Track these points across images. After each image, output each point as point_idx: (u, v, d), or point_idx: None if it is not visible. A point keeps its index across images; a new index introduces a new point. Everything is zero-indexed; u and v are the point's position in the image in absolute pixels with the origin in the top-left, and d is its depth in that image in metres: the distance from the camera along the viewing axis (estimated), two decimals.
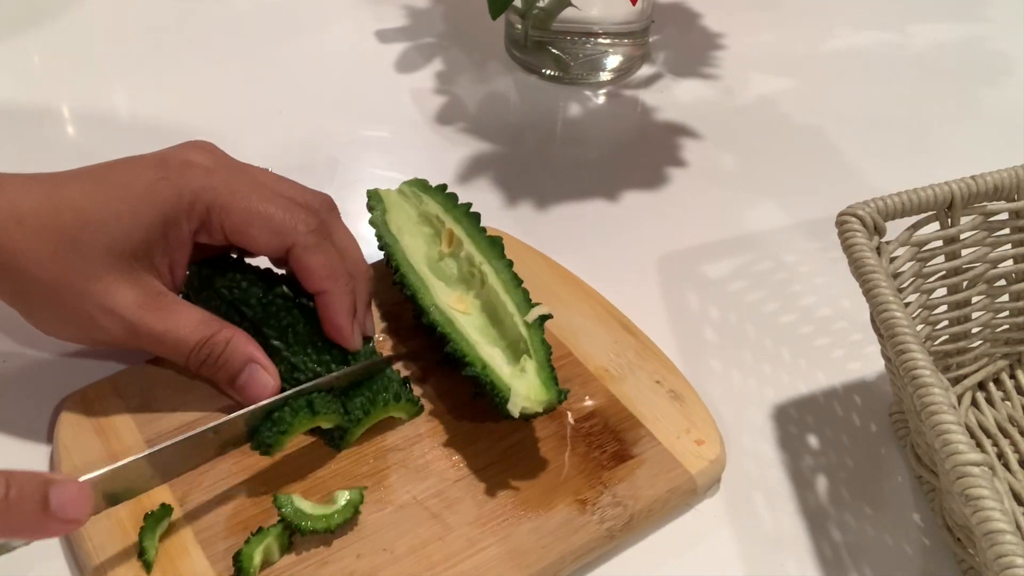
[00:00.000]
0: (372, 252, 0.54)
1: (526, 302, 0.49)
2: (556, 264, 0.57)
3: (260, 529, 0.43)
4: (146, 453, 0.42)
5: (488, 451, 0.48)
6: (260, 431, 0.45)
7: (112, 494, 0.42)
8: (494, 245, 0.52)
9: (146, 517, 0.43)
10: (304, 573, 0.43)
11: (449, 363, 0.49)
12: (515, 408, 0.45)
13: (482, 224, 0.54)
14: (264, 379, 0.47)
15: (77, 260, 0.45)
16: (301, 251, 0.48)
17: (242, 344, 0.48)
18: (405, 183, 0.58)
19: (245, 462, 0.47)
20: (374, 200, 0.57)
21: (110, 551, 0.43)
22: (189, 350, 0.47)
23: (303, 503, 0.44)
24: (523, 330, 0.48)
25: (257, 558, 0.42)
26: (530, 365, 0.47)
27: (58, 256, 0.45)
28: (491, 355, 0.48)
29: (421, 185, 0.57)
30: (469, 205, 0.55)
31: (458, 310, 0.51)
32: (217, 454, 0.45)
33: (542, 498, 0.46)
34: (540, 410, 0.45)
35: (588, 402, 0.50)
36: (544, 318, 0.48)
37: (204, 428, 0.44)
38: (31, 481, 0.38)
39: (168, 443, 0.43)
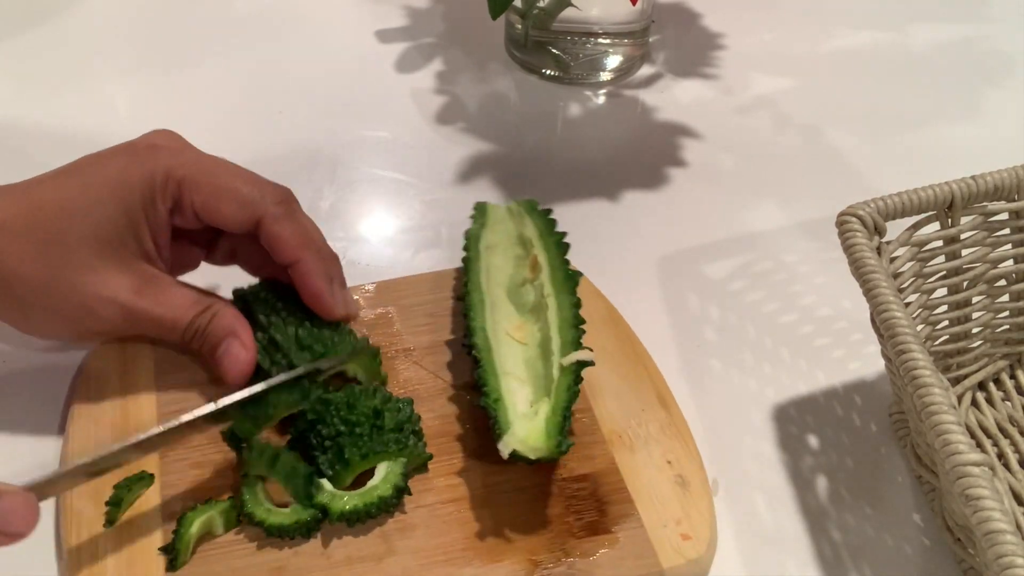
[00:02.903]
0: (458, 251, 0.56)
1: (573, 343, 0.48)
2: (620, 317, 0.55)
3: (209, 500, 0.44)
4: (87, 460, 0.42)
5: (464, 486, 0.47)
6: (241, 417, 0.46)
7: (62, 487, 0.43)
8: (568, 280, 0.51)
9: (129, 481, 0.44)
10: (238, 553, 0.44)
11: (476, 388, 0.48)
12: (505, 447, 0.43)
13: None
14: (238, 352, 0.48)
15: (65, 253, 0.45)
16: (271, 222, 0.48)
17: (227, 318, 0.48)
18: (516, 202, 0.58)
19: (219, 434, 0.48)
20: (478, 213, 0.57)
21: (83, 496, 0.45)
22: (183, 329, 0.48)
23: (263, 496, 0.45)
24: (556, 372, 0.47)
25: (195, 527, 0.43)
26: (543, 410, 0.45)
27: (46, 253, 0.45)
28: (514, 391, 0.46)
29: (529, 206, 0.57)
30: (564, 234, 0.54)
31: (515, 338, 0.50)
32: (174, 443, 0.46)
33: (495, 548, 0.44)
34: (532, 457, 0.43)
35: (585, 464, 0.48)
36: (583, 364, 0.46)
37: (156, 431, 0.43)
38: None
39: (114, 447, 0.42)
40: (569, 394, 0.45)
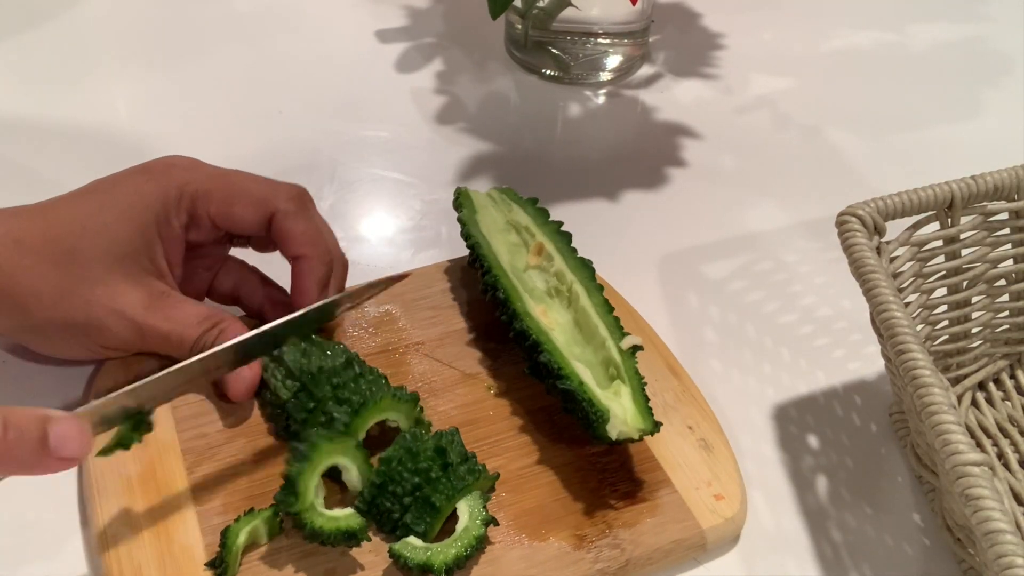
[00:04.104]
0: (458, 250, 0.56)
1: (618, 328, 0.49)
2: (614, 291, 0.56)
3: (251, 510, 0.44)
4: (130, 387, 0.42)
5: (500, 469, 0.47)
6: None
7: (107, 420, 0.42)
8: (586, 267, 0.52)
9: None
10: (285, 559, 0.43)
11: (536, 373, 0.49)
12: (614, 431, 0.44)
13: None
14: (240, 369, 0.48)
15: (79, 268, 0.46)
16: (282, 217, 0.49)
17: (232, 334, 0.48)
18: (495, 189, 0.58)
19: (256, 443, 0.48)
20: (463, 199, 0.57)
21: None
22: (190, 345, 0.48)
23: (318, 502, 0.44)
24: (617, 355, 0.48)
25: (242, 538, 0.43)
26: (624, 390, 0.46)
27: (60, 267, 0.46)
28: (583, 373, 0.47)
29: (511, 194, 0.57)
30: (560, 223, 0.55)
31: (544, 323, 0.50)
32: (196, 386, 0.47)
33: (540, 526, 0.45)
34: (636, 437, 0.44)
35: None
36: (636, 348, 0.48)
37: (188, 361, 0.44)
38: (29, 419, 0.38)
39: (152, 377, 0.43)
40: (639, 376, 0.47)
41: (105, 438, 0.42)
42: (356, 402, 0.46)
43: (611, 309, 0.50)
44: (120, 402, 0.42)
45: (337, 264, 0.51)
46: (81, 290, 0.46)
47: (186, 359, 0.48)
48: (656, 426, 0.45)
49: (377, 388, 0.47)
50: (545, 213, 0.56)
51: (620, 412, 0.45)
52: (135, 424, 0.43)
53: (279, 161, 0.67)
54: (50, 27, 0.77)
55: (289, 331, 0.47)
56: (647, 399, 0.46)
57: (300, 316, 0.47)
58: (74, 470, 0.47)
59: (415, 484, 0.44)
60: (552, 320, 0.50)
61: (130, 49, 0.77)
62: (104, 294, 0.46)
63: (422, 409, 0.48)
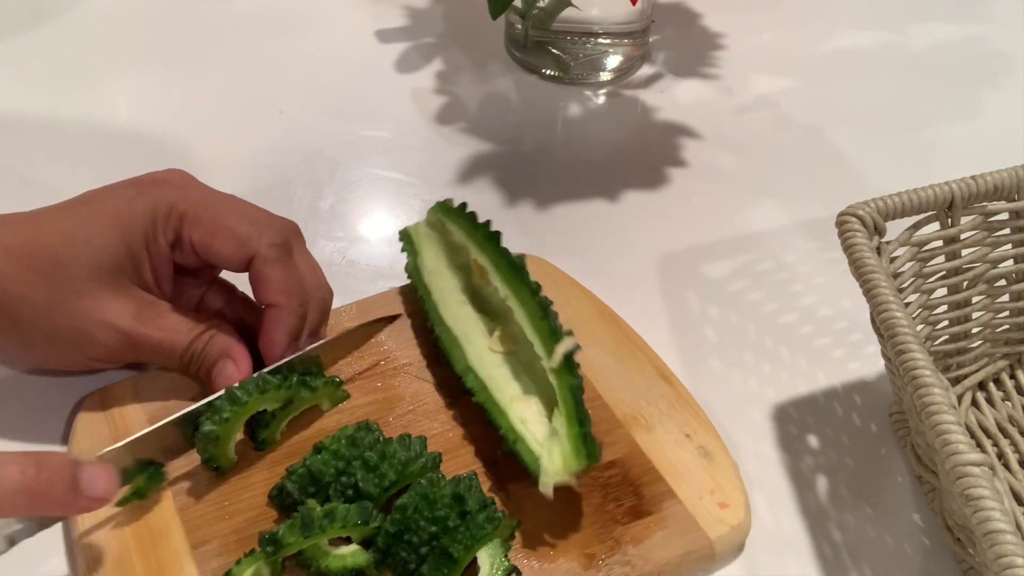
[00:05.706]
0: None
1: (552, 337, 0.47)
2: (598, 300, 0.55)
3: (253, 551, 0.42)
4: (150, 428, 0.44)
5: (500, 492, 0.46)
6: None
7: (123, 471, 0.44)
8: (517, 271, 0.50)
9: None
10: None
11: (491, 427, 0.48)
12: (546, 489, 0.43)
13: (489, 229, 0.52)
14: (231, 373, 0.48)
15: (67, 279, 0.46)
16: (261, 262, 0.48)
17: (222, 339, 0.48)
18: (431, 210, 0.56)
19: (249, 479, 0.47)
20: (406, 243, 0.56)
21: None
22: (181, 352, 0.48)
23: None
24: (552, 378, 0.46)
25: None
26: (560, 423, 0.44)
27: (48, 277, 0.46)
28: (527, 416, 0.46)
29: (444, 209, 0.55)
30: (488, 223, 0.52)
31: (501, 351, 0.49)
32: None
33: (546, 549, 0.44)
34: (573, 483, 0.43)
35: (610, 451, 0.48)
36: (573, 351, 0.46)
37: (193, 407, 0.46)
38: (60, 462, 0.40)
39: (167, 420, 0.45)
40: (573, 393, 0.45)
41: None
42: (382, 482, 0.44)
43: (546, 310, 0.47)
44: (134, 450, 0.44)
45: (314, 311, 0.50)
46: (68, 301, 0.46)
47: (176, 367, 0.49)
48: (592, 459, 0.43)
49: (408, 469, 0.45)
50: (473, 217, 0.53)
51: (555, 461, 0.43)
52: (150, 475, 0.45)
53: (279, 161, 0.67)
54: (49, 28, 0.77)
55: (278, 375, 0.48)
56: (582, 424, 0.44)
57: (286, 363, 0.48)
58: None
59: (432, 533, 0.42)
60: (510, 343, 0.49)
61: (130, 50, 0.77)
62: (92, 305, 0.46)
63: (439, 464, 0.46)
